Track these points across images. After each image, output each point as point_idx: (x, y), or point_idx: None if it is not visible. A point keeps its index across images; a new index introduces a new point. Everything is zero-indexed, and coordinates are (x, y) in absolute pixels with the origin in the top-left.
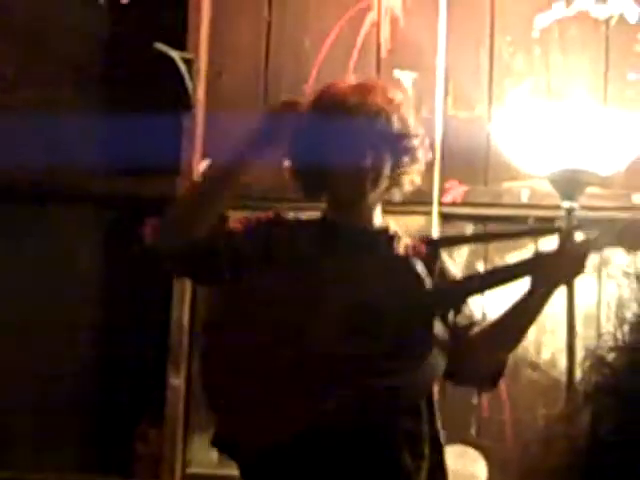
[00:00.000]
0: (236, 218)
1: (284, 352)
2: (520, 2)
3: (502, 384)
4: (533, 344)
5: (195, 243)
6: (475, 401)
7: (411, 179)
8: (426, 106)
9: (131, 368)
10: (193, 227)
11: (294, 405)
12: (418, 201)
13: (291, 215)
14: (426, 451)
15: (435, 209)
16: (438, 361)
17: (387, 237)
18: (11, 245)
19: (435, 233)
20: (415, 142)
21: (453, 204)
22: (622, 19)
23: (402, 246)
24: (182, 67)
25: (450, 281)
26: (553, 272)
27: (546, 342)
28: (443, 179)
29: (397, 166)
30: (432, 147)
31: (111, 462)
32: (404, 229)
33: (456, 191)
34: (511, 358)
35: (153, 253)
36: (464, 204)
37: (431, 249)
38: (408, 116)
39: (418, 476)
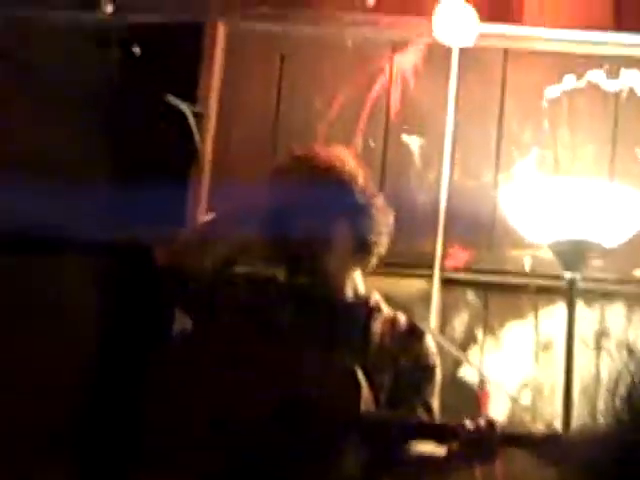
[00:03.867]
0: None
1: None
2: (531, 73)
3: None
4: (529, 412)
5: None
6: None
7: (378, 240)
8: (432, 172)
9: (123, 408)
10: (200, 253)
11: None
12: (420, 264)
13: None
14: None
15: (437, 273)
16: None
17: (365, 309)
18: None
19: (435, 298)
20: (367, 199)
21: (455, 269)
22: (632, 93)
23: (380, 320)
24: (191, 120)
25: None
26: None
27: (542, 411)
28: (446, 244)
29: (355, 225)
30: (436, 210)
31: None
32: (404, 292)
33: (459, 256)
34: (505, 426)
35: (171, 274)
36: (466, 269)
37: (413, 336)
38: (359, 178)
39: None
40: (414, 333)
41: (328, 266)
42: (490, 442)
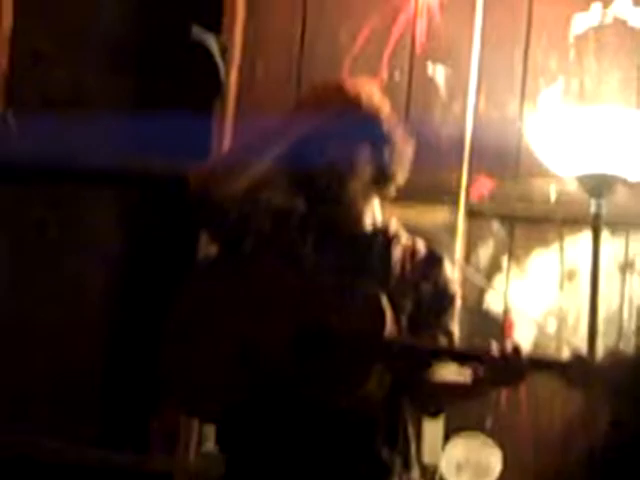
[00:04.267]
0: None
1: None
2: (558, 2)
3: None
4: (554, 340)
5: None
6: (493, 393)
7: (399, 169)
8: (458, 102)
9: (148, 342)
10: (230, 179)
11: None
12: (445, 194)
13: (302, 207)
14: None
15: (462, 203)
16: (376, 392)
17: (384, 237)
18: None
19: (461, 228)
20: (389, 128)
21: (480, 199)
22: None
23: (399, 248)
24: (216, 52)
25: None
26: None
27: (567, 339)
28: (472, 174)
29: (376, 153)
30: (462, 142)
31: (126, 437)
32: (429, 222)
33: (484, 186)
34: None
35: (204, 200)
36: (491, 200)
37: (432, 262)
38: (382, 107)
39: (394, 468)
40: (433, 259)
41: (350, 193)
42: (515, 366)
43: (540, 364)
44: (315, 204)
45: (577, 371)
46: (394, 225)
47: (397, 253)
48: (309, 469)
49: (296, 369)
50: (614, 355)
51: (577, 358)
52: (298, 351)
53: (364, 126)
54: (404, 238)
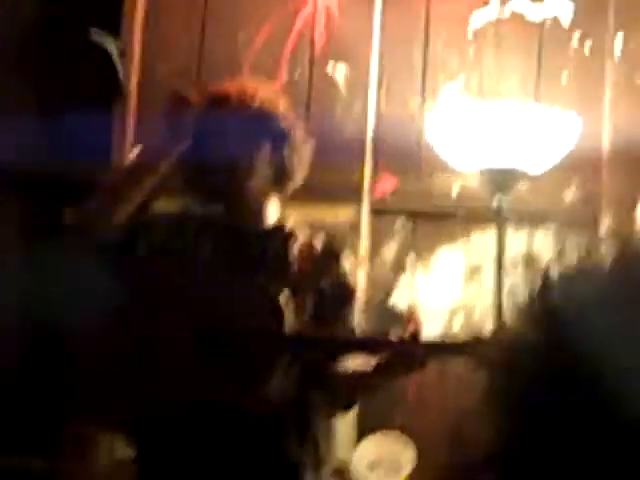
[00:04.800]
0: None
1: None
2: (455, 1)
3: (428, 372)
4: (460, 335)
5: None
6: (401, 388)
7: (298, 169)
8: (359, 101)
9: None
10: (113, 211)
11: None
12: (349, 193)
13: (198, 210)
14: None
15: (365, 201)
16: (281, 386)
17: (281, 235)
18: None
19: (364, 225)
20: (287, 127)
21: (383, 198)
22: (556, 22)
23: (297, 245)
24: (115, 55)
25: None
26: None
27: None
28: (374, 172)
29: (275, 152)
30: (363, 140)
31: (38, 443)
32: (332, 220)
33: (387, 184)
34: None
35: (73, 233)
36: (394, 197)
37: (330, 257)
38: (279, 107)
39: (303, 468)
40: (331, 255)
41: (248, 192)
42: (414, 351)
43: (438, 347)
44: (212, 202)
45: (475, 349)
46: (290, 223)
47: (295, 250)
48: (218, 472)
49: (198, 373)
50: (510, 335)
51: (474, 337)
52: (198, 355)
53: (260, 125)
54: (301, 235)
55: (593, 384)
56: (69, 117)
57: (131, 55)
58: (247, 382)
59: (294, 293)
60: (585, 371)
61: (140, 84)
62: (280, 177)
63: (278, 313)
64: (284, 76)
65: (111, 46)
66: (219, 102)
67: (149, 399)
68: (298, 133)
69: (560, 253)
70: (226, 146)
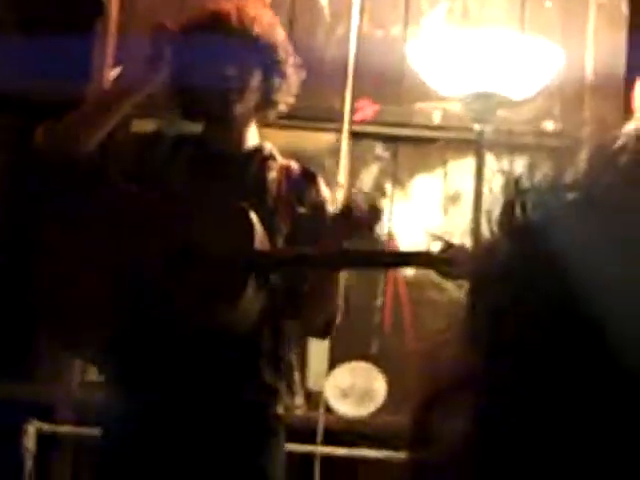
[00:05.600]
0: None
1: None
2: None
3: (405, 303)
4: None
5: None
6: (377, 319)
7: (284, 98)
8: (341, 24)
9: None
10: (81, 136)
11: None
12: (329, 118)
13: (173, 130)
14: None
15: (346, 127)
16: (254, 305)
17: (260, 158)
18: None
19: (344, 150)
20: (283, 57)
21: (364, 122)
22: None
23: (275, 168)
24: None
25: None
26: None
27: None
28: (355, 98)
29: (266, 81)
30: (345, 65)
31: (9, 366)
32: (312, 146)
33: (368, 110)
34: (415, 277)
35: (40, 153)
36: (375, 123)
37: (307, 180)
38: (277, 36)
39: (279, 393)
40: (308, 178)
41: (234, 116)
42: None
43: (411, 256)
44: (195, 124)
45: (448, 258)
46: (268, 147)
47: (272, 173)
48: (194, 394)
49: (171, 290)
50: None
51: (446, 245)
52: (171, 272)
53: (256, 50)
54: (279, 159)
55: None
56: (49, 37)
57: None
58: (218, 302)
59: (270, 216)
60: (565, 282)
61: (121, 4)
62: (266, 105)
63: (249, 229)
64: None
65: None
66: (217, 20)
67: (121, 322)
68: (291, 65)
69: (531, 167)
70: (222, 68)
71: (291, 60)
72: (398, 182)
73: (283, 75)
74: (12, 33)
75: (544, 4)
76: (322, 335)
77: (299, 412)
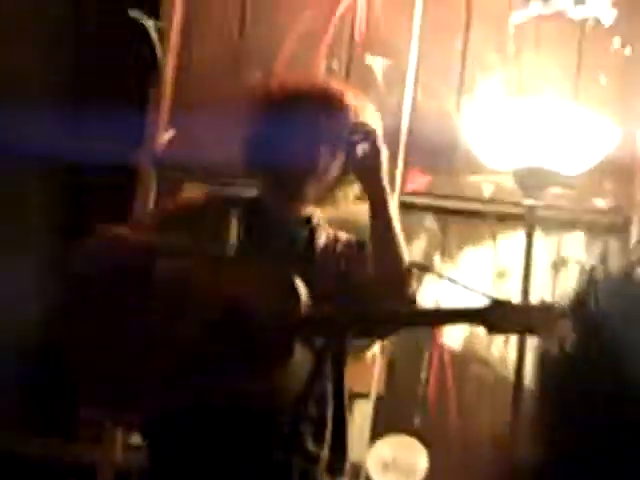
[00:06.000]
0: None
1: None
2: None
3: (449, 377)
4: (485, 339)
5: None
6: (421, 392)
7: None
8: (395, 94)
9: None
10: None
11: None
12: None
13: (223, 195)
14: (327, 436)
15: (396, 197)
16: (298, 371)
17: (310, 226)
18: None
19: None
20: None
21: (414, 193)
22: (598, 22)
23: (324, 238)
24: (154, 36)
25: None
26: None
27: (496, 338)
28: (407, 168)
29: (347, 171)
30: (397, 135)
31: (53, 424)
32: (363, 216)
33: (419, 181)
34: (460, 352)
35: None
36: (426, 194)
37: (357, 245)
38: (369, 120)
39: (318, 465)
40: (358, 245)
41: (307, 196)
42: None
43: (456, 313)
44: (268, 195)
45: (496, 315)
46: (318, 214)
47: (321, 241)
48: (233, 463)
49: (216, 361)
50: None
51: (494, 302)
52: (217, 339)
53: (346, 132)
54: (327, 227)
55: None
56: (106, 102)
57: (168, 38)
58: (264, 369)
59: (319, 283)
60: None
61: (177, 67)
62: (338, 187)
63: (294, 294)
64: (322, 65)
65: (150, 27)
66: (328, 99)
67: (166, 395)
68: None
69: (603, 257)
70: (314, 148)
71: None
72: (447, 255)
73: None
74: (64, 97)
75: (599, 79)
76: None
77: None
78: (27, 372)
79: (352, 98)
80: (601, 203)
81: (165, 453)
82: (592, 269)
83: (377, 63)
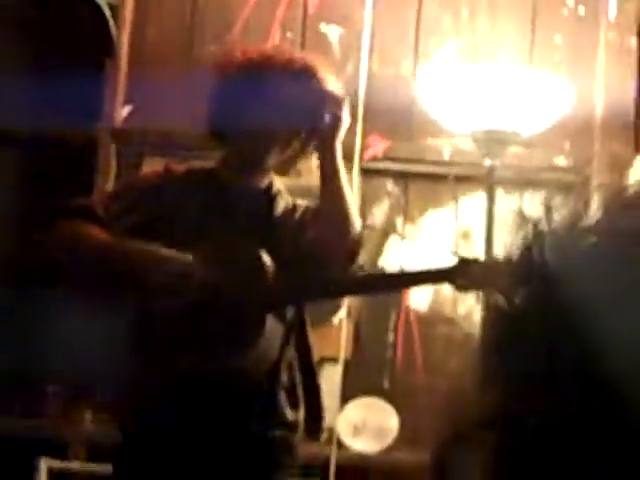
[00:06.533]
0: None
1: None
2: None
3: (417, 338)
4: (450, 301)
5: None
6: (389, 354)
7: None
8: (351, 62)
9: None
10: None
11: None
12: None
13: (182, 168)
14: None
15: (356, 163)
16: (271, 343)
17: (270, 195)
18: None
19: (355, 189)
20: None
21: (374, 159)
22: None
23: (282, 206)
24: (107, 13)
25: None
26: None
27: (462, 299)
28: (365, 134)
29: (311, 135)
30: (355, 102)
31: (21, 403)
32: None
33: (378, 146)
34: (426, 312)
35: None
36: (385, 159)
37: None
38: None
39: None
40: (314, 211)
41: (268, 165)
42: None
43: (423, 275)
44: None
45: (465, 273)
46: (277, 184)
47: (279, 210)
48: (212, 440)
49: (191, 340)
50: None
51: (461, 261)
52: (189, 318)
53: (315, 107)
54: (286, 196)
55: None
56: (59, 76)
57: (122, 14)
58: (238, 345)
59: (276, 251)
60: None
61: (131, 43)
62: (300, 157)
63: (262, 269)
64: (276, 36)
65: (102, 2)
66: (288, 65)
67: (140, 374)
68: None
69: (548, 210)
70: (278, 114)
71: (343, 120)
72: (409, 218)
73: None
74: (23, 73)
75: (553, 40)
76: (347, 261)
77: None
78: None
79: (318, 67)
80: (562, 162)
81: (141, 432)
82: (537, 221)
83: (332, 32)
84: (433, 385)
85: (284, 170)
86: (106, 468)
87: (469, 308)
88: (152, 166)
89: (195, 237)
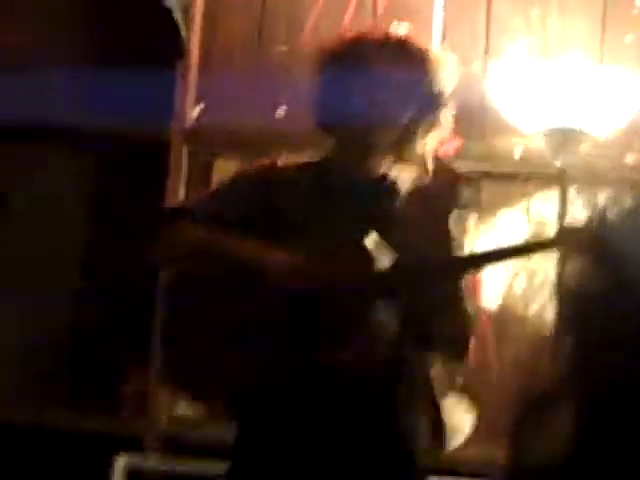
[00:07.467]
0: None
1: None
2: None
3: (490, 338)
4: (522, 299)
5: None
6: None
7: (427, 142)
8: None
9: (116, 304)
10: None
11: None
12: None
13: (287, 162)
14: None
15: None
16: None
17: (385, 185)
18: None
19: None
20: (441, 101)
21: (447, 159)
22: None
23: (401, 194)
24: (178, 14)
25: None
26: None
27: (535, 298)
28: None
29: (418, 123)
30: None
31: (96, 400)
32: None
33: (450, 145)
34: (500, 312)
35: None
36: (457, 158)
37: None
38: (441, 76)
39: (417, 434)
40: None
41: (376, 143)
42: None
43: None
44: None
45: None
46: (393, 175)
47: (400, 198)
48: (327, 444)
49: (296, 337)
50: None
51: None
52: (294, 320)
53: (420, 86)
54: (406, 184)
55: None
56: (131, 74)
57: (193, 13)
58: (341, 338)
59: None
60: None
61: (202, 42)
62: (406, 141)
63: (367, 258)
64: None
65: (173, 2)
66: (388, 43)
67: (246, 373)
68: (447, 109)
69: (616, 201)
70: (378, 93)
71: (450, 106)
72: (481, 217)
73: (435, 118)
74: (95, 74)
75: (624, 40)
76: (458, 356)
77: None
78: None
79: (431, 51)
80: (631, 160)
81: (259, 433)
82: (604, 208)
83: (402, 31)
84: (505, 384)
85: (399, 155)
86: (181, 465)
87: (541, 306)
88: (224, 166)
89: (306, 230)
